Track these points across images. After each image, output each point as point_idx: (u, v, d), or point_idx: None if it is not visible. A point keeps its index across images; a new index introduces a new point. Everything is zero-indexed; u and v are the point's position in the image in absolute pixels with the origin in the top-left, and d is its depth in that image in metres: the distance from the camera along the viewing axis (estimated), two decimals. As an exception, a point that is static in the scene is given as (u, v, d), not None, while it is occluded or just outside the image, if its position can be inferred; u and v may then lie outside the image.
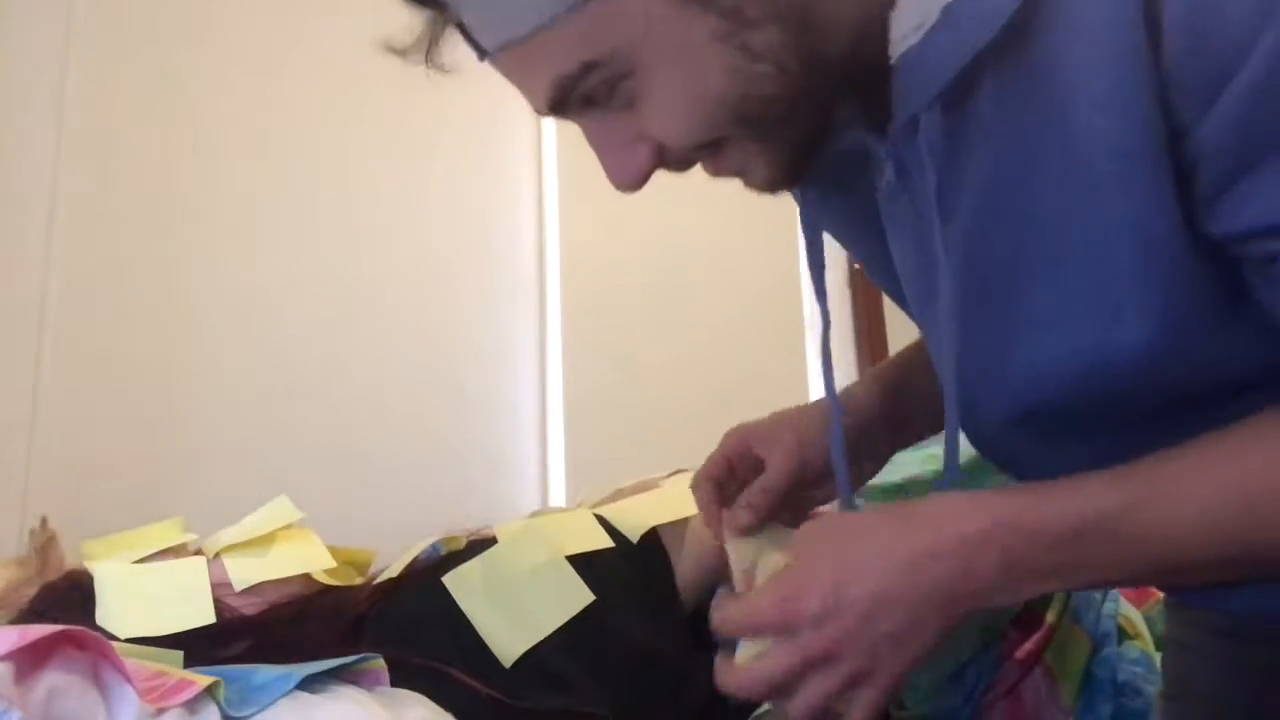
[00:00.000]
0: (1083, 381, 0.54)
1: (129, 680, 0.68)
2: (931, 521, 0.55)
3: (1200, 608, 0.75)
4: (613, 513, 1.00)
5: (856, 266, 2.69)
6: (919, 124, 0.54)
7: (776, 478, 0.74)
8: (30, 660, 0.67)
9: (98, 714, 0.68)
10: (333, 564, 1.05)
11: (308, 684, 0.74)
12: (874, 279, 0.75)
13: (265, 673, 0.75)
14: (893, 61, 0.54)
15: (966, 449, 0.67)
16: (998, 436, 0.63)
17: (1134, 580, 0.59)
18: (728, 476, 0.77)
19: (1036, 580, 0.54)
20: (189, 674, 0.74)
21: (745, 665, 0.59)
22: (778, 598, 0.57)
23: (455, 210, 1.97)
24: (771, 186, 0.60)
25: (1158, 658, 1.03)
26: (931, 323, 0.60)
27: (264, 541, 1.06)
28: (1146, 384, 0.53)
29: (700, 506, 0.76)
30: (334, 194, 1.81)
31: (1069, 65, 0.48)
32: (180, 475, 1.56)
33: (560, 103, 0.55)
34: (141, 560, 1.00)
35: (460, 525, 1.07)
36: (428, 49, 0.56)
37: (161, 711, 0.69)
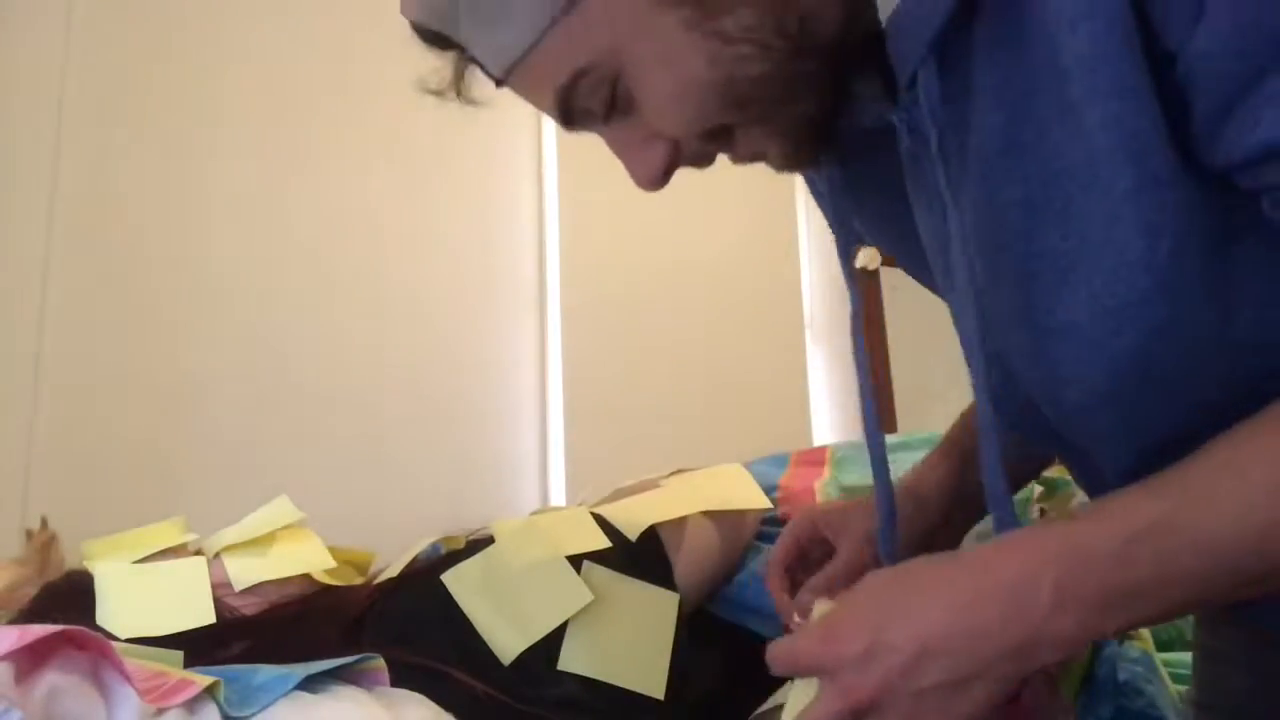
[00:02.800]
0: (1111, 336, 0.51)
1: (129, 680, 0.68)
2: (980, 563, 0.53)
3: (1231, 623, 0.75)
4: (612, 512, 1.00)
5: (857, 266, 2.68)
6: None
7: (844, 568, 0.74)
8: (30, 660, 0.67)
9: (98, 714, 0.68)
10: (333, 564, 1.05)
11: (308, 684, 0.74)
12: (905, 266, 0.72)
13: (265, 673, 0.75)
14: (884, 27, 0.54)
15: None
16: (1047, 413, 0.59)
17: (1191, 603, 0.55)
18: (797, 561, 0.77)
19: (1095, 613, 0.50)
20: (189, 674, 0.74)
21: (790, 716, 0.57)
22: (819, 636, 0.55)
23: (456, 211, 1.97)
24: (789, 165, 0.61)
25: (1159, 658, 1.03)
26: (954, 295, 0.58)
27: (264, 541, 1.05)
28: (1173, 335, 0.51)
29: (772, 592, 0.77)
30: (335, 195, 1.81)
31: (1051, 8, 0.47)
32: (180, 475, 1.56)
33: (568, 114, 0.59)
34: (141, 560, 1.00)
35: (460, 525, 1.07)
36: (458, 86, 0.62)
37: (161, 711, 0.68)
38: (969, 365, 0.57)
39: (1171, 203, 0.48)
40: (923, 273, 0.68)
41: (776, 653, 0.58)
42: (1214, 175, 0.47)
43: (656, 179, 0.60)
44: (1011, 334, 0.56)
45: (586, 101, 0.58)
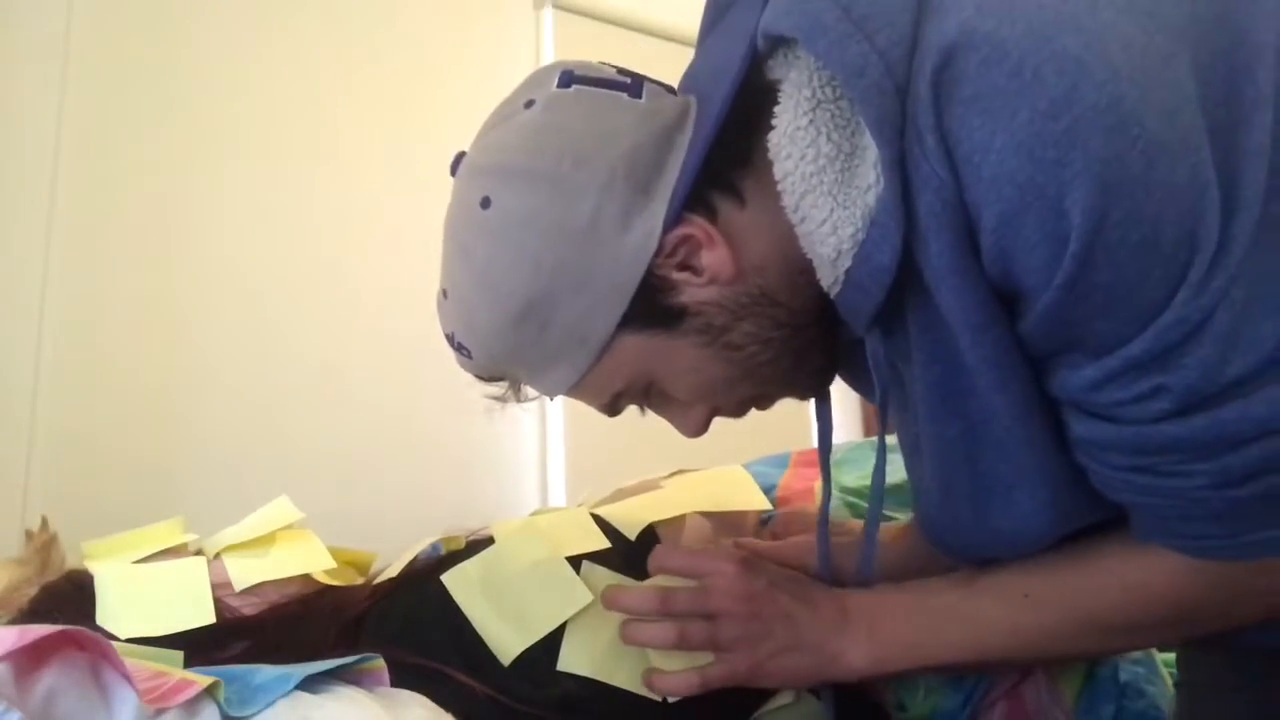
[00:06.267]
0: (1047, 529, 0.68)
1: (129, 680, 0.68)
2: (840, 596, 0.79)
3: (1207, 649, 0.85)
4: (611, 513, 1.00)
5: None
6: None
7: (770, 544, 0.93)
8: (30, 660, 0.67)
9: (98, 714, 0.68)
10: (333, 564, 1.05)
11: (308, 684, 0.74)
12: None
13: (265, 673, 0.75)
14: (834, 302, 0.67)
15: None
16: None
17: (978, 656, 0.76)
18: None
19: (884, 655, 0.76)
20: (189, 674, 0.74)
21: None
22: (740, 558, 0.79)
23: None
24: (810, 398, 0.79)
25: (1160, 658, 1.03)
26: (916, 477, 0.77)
27: (264, 541, 1.05)
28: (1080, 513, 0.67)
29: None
30: (335, 195, 1.81)
31: (943, 295, 0.59)
32: (180, 475, 1.56)
33: (614, 412, 0.77)
34: (141, 560, 1.00)
35: (460, 525, 1.07)
36: (516, 396, 0.78)
37: (161, 711, 0.68)
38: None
39: (1052, 456, 0.64)
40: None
41: (673, 553, 0.83)
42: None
43: (700, 431, 0.76)
44: (963, 532, 0.72)
45: (627, 404, 0.75)
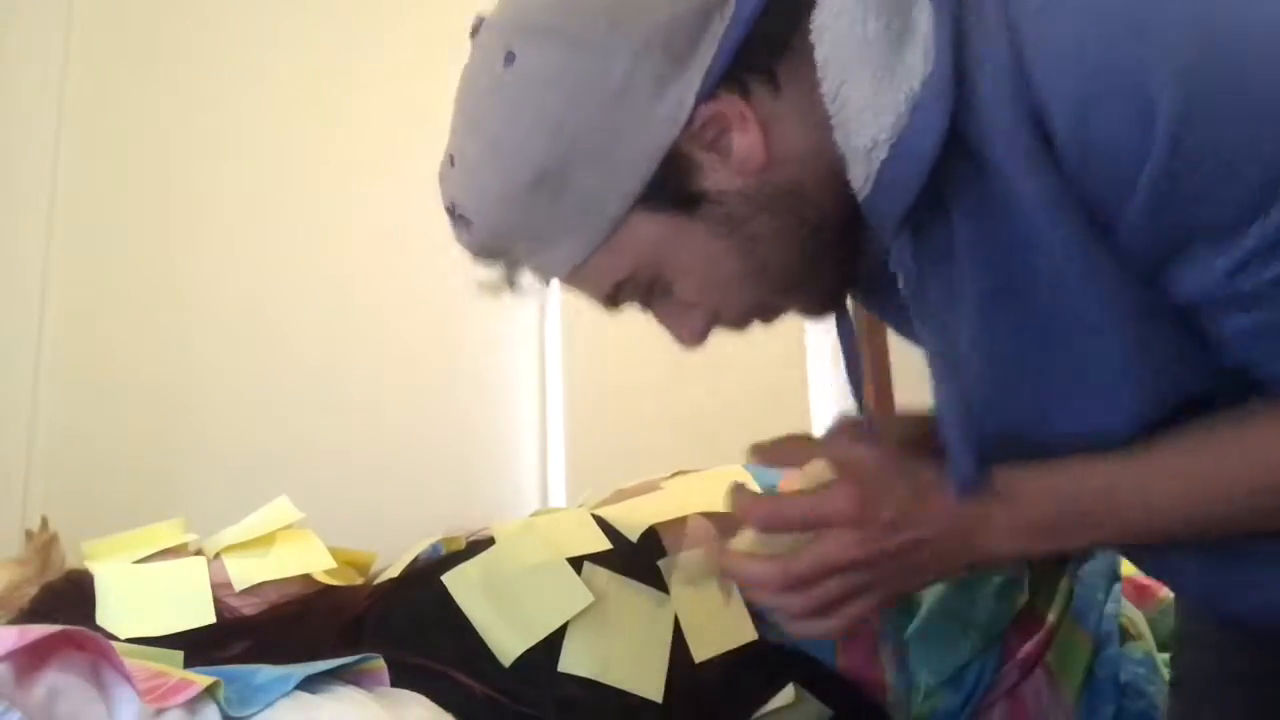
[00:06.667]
0: (1094, 445, 0.61)
1: (129, 680, 0.68)
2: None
3: (1200, 648, 0.83)
4: (612, 514, 1.00)
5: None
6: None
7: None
8: (30, 660, 0.67)
9: (98, 714, 0.68)
10: (333, 564, 1.05)
11: (308, 684, 0.74)
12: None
13: (265, 673, 0.75)
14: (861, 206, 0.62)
15: None
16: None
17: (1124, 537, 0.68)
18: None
19: (1031, 541, 0.63)
20: (189, 674, 0.74)
21: (754, 552, 0.66)
22: (859, 495, 0.62)
23: (456, 210, 1.96)
24: (817, 318, 0.73)
25: (1161, 659, 1.03)
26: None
27: (264, 541, 1.05)
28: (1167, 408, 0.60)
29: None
30: (335, 195, 1.81)
31: (1008, 176, 0.54)
32: (180, 475, 1.56)
33: (612, 305, 0.70)
34: (141, 560, 1.00)
35: (460, 525, 1.07)
36: (511, 282, 0.70)
37: (161, 711, 0.69)
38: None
39: (1147, 334, 0.57)
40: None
41: (790, 503, 0.66)
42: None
43: (696, 341, 0.70)
44: (1012, 444, 0.64)
45: (629, 298, 0.68)
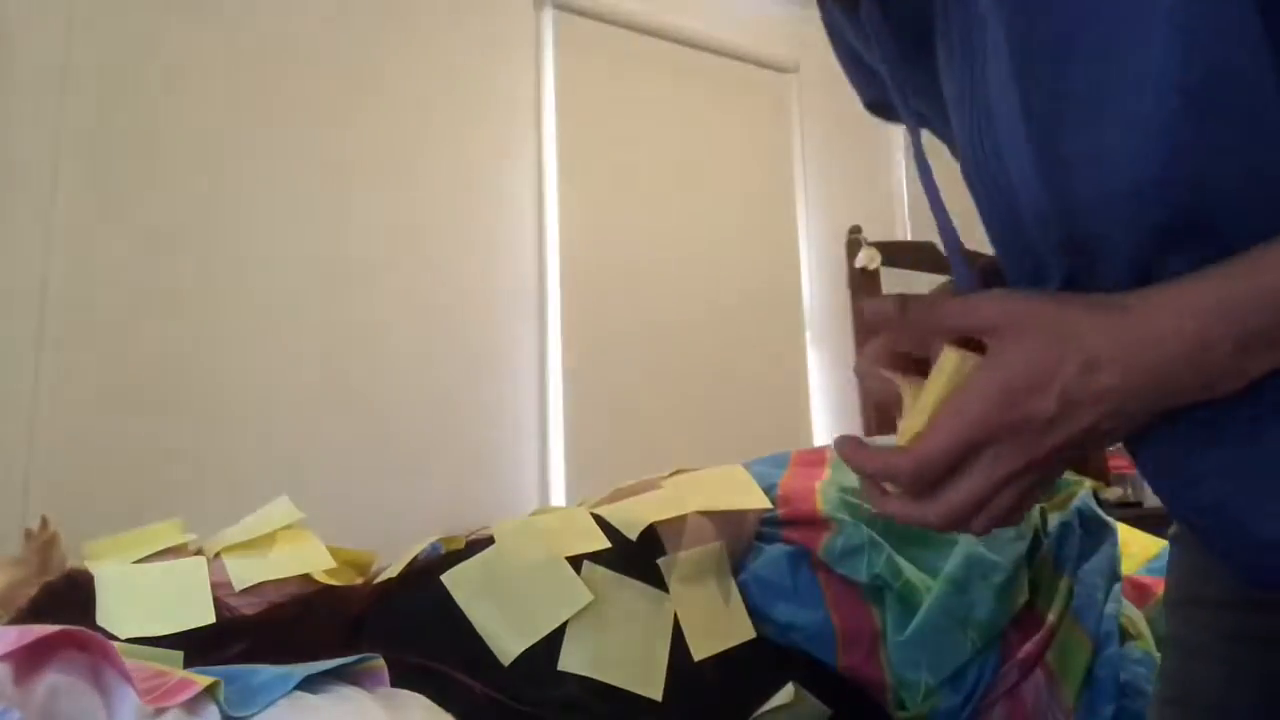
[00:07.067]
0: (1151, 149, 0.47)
1: (129, 680, 0.68)
2: (1162, 313, 0.48)
3: (1207, 606, 0.74)
4: (611, 513, 1.00)
5: (857, 266, 2.69)
6: None
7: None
8: (30, 660, 0.67)
9: (98, 714, 0.68)
10: (333, 564, 1.05)
11: (308, 684, 0.74)
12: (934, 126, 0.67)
13: (265, 673, 0.75)
14: None
15: None
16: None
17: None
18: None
19: (1264, 352, 0.47)
20: (189, 674, 0.74)
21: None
22: (999, 401, 0.48)
23: (456, 214, 1.97)
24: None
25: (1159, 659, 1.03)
26: (970, 149, 0.55)
27: (264, 541, 1.05)
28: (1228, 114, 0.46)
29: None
30: (336, 197, 1.81)
31: None
32: (180, 475, 1.56)
33: None
34: (141, 560, 0.99)
35: (460, 525, 1.07)
36: None
37: (161, 711, 0.68)
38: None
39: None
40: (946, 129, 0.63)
41: (932, 441, 0.50)
42: None
43: None
44: (1027, 161, 0.51)
45: None
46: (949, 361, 0.50)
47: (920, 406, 0.52)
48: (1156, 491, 0.61)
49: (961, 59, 0.56)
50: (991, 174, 0.53)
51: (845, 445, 0.55)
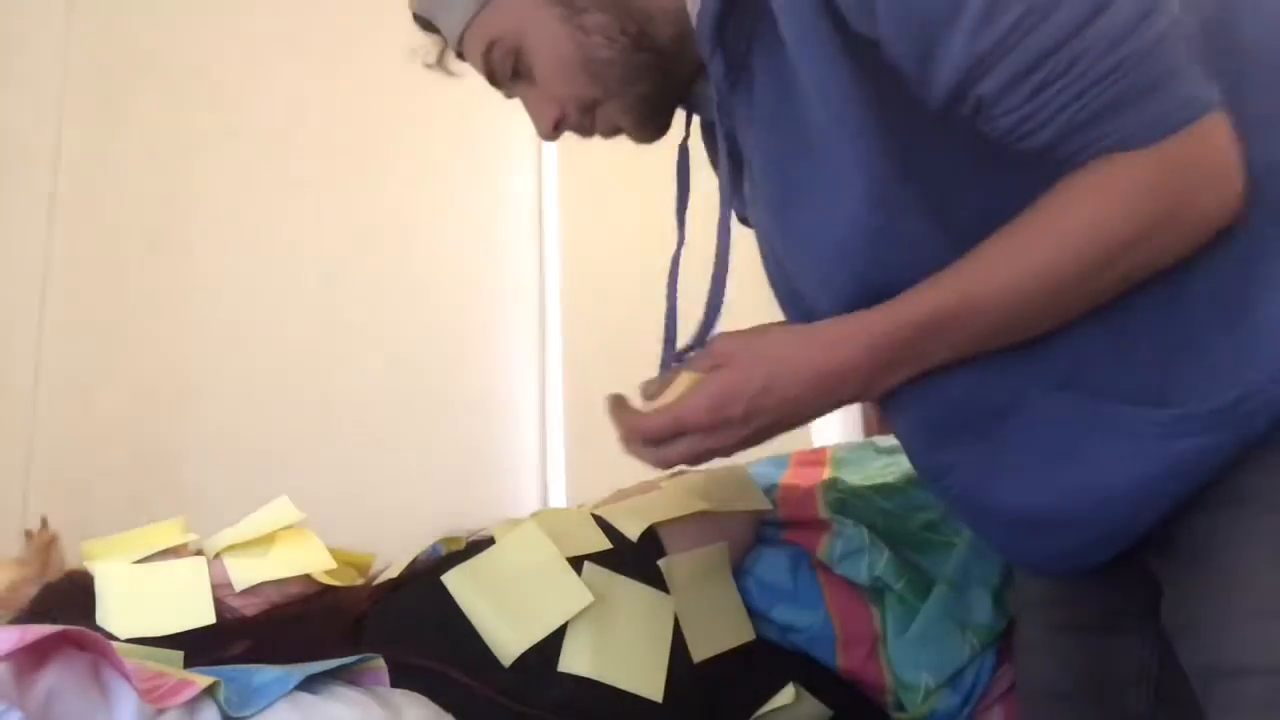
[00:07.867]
0: (850, 255, 0.73)
1: (129, 680, 0.68)
2: (828, 343, 0.74)
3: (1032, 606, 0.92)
4: (612, 513, 1.00)
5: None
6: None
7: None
8: (30, 660, 0.67)
9: (98, 714, 0.68)
10: (333, 565, 1.05)
11: (308, 684, 0.74)
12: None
13: (265, 673, 0.75)
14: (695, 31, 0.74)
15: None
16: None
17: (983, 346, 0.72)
18: None
19: (898, 369, 0.72)
20: (189, 674, 0.74)
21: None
22: (707, 407, 0.75)
23: (456, 213, 1.97)
24: (640, 135, 0.85)
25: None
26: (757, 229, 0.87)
27: (264, 542, 1.05)
28: (892, 240, 0.71)
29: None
30: (336, 197, 1.81)
31: (785, 31, 0.67)
32: (180, 475, 1.56)
33: (491, 75, 0.83)
34: (141, 560, 1.00)
35: (460, 526, 1.07)
36: (441, 60, 0.87)
37: (161, 712, 0.69)
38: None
39: (880, 148, 0.67)
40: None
41: (655, 420, 0.79)
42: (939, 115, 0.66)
43: (547, 131, 0.84)
44: (775, 238, 0.82)
45: (501, 66, 0.81)
46: (684, 380, 0.79)
47: (665, 401, 0.80)
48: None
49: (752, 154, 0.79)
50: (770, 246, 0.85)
51: (611, 403, 0.86)
